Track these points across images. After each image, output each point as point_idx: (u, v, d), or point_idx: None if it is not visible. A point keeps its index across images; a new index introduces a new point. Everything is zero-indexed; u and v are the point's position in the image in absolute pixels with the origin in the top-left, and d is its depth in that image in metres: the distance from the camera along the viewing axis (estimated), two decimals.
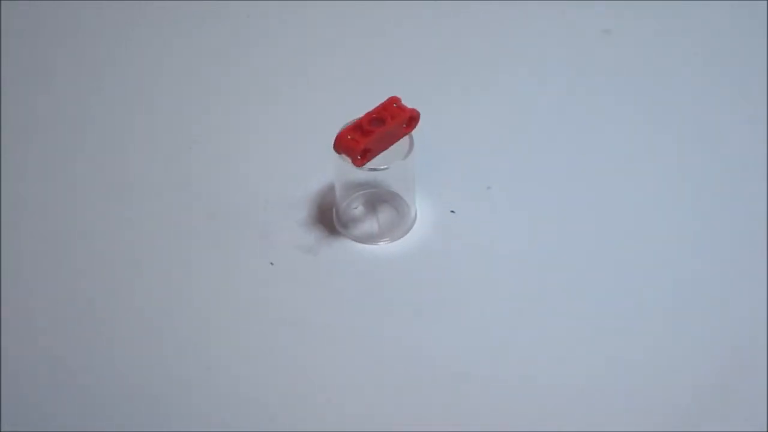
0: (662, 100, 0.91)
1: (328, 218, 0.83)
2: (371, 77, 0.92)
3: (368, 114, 0.79)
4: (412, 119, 0.79)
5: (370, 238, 0.82)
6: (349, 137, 0.78)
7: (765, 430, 0.73)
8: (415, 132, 0.80)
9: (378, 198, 0.84)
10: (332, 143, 0.78)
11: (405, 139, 0.80)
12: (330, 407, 0.75)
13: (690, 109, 0.90)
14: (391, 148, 0.80)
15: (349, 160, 0.78)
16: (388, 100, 0.79)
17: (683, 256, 0.81)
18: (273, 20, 0.97)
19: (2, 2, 0.98)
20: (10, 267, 0.81)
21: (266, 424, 0.74)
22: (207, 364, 0.76)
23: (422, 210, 0.84)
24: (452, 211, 0.82)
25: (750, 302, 0.79)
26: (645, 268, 0.80)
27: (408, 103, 0.80)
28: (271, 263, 0.80)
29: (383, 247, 0.82)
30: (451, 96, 0.91)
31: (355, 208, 0.84)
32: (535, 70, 0.93)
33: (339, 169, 0.81)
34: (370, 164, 0.79)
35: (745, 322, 0.78)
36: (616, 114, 0.90)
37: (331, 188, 0.84)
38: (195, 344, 0.77)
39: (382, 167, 0.79)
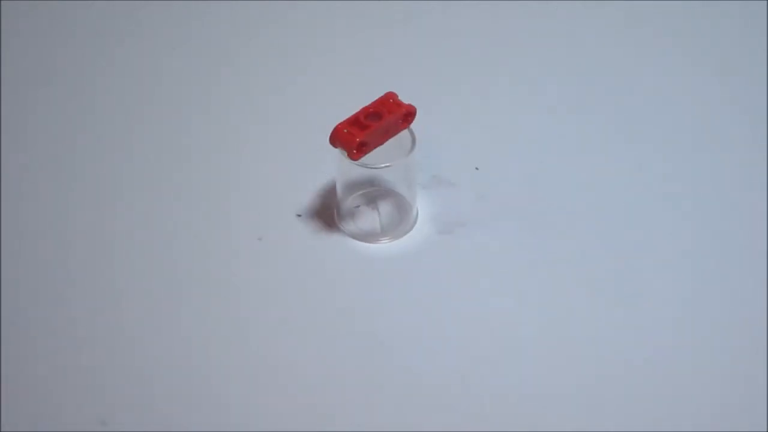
0: (665, 100, 0.91)
1: (330, 217, 0.83)
2: (372, 75, 0.93)
3: (365, 108, 0.79)
4: (408, 114, 0.80)
5: (371, 237, 0.82)
6: (345, 131, 0.78)
7: (765, 430, 0.73)
8: (417, 131, 0.80)
9: (379, 196, 0.84)
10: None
11: (407, 138, 0.80)
12: (326, 406, 0.75)
13: (692, 110, 0.91)
14: (393, 146, 0.80)
15: (345, 153, 0.78)
16: (384, 95, 0.80)
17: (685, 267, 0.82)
18: (271, 18, 0.97)
19: (2, 2, 0.98)
20: (10, 267, 0.81)
21: (266, 422, 0.74)
22: (205, 361, 0.76)
23: (424, 209, 0.84)
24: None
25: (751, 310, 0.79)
26: (646, 281, 0.80)
27: (411, 101, 0.80)
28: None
29: (384, 246, 0.82)
30: (454, 96, 0.91)
31: (356, 206, 0.84)
32: (536, 69, 0.94)
33: (340, 167, 0.81)
34: (372, 162, 0.79)
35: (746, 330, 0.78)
36: (619, 115, 0.90)
37: (332, 187, 0.84)
38: (194, 342, 0.77)
39: (383, 165, 0.79)
